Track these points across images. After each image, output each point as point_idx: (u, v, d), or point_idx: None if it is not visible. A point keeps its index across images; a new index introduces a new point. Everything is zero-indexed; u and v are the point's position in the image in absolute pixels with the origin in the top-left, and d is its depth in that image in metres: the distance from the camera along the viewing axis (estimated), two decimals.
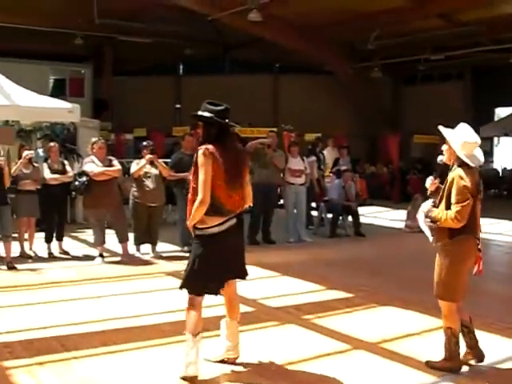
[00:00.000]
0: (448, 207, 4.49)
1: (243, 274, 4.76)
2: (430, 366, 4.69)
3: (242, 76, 26.83)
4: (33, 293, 7.08)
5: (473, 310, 6.33)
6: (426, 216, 4.58)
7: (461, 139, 4.58)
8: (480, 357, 4.77)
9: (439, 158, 4.87)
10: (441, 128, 4.78)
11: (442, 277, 4.59)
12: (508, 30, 18.52)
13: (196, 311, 4.50)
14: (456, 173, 4.52)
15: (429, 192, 4.88)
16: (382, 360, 4.87)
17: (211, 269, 4.45)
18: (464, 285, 4.68)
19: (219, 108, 4.75)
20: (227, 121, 4.69)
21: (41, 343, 5.13)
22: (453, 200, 4.45)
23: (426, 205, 4.71)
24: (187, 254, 9.37)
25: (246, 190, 4.71)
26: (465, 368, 4.70)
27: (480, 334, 5.54)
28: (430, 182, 4.84)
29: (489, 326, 5.88)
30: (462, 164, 4.54)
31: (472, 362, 4.78)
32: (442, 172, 4.90)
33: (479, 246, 4.69)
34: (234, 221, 4.58)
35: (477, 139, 4.61)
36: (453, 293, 4.62)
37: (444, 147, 4.73)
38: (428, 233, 4.70)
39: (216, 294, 4.61)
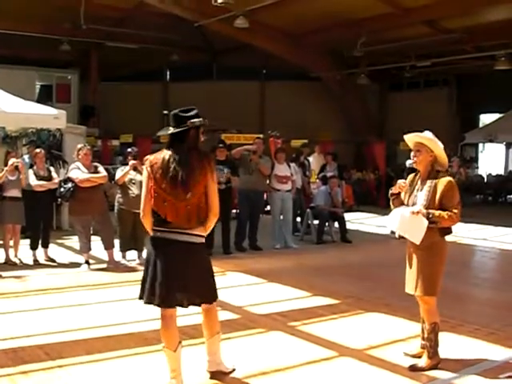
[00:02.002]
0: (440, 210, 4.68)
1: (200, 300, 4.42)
2: (417, 369, 4.73)
3: (229, 82, 26.85)
4: (18, 300, 7.03)
5: (459, 316, 6.42)
6: (427, 218, 4.63)
7: (441, 145, 4.81)
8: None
9: (408, 162, 4.97)
10: (428, 133, 4.86)
11: (429, 273, 4.77)
12: (491, 38, 18.76)
13: (164, 324, 4.38)
14: (449, 179, 4.74)
15: (393, 194, 4.93)
16: (369, 367, 4.88)
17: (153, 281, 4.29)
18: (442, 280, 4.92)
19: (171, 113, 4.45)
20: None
21: (25, 352, 5.09)
22: (451, 203, 4.66)
23: (407, 209, 4.75)
24: None
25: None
26: (452, 374, 4.72)
27: (466, 340, 5.61)
28: (402, 185, 4.89)
29: (474, 331, 5.93)
30: (439, 171, 4.79)
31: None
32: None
33: None
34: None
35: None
36: (436, 288, 4.83)
37: (416, 153, 4.82)
38: (415, 234, 4.72)
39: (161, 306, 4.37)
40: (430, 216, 4.63)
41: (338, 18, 18.46)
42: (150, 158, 4.24)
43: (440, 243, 4.81)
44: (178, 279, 4.21)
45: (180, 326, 5.78)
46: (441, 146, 4.82)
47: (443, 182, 4.70)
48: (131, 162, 9.17)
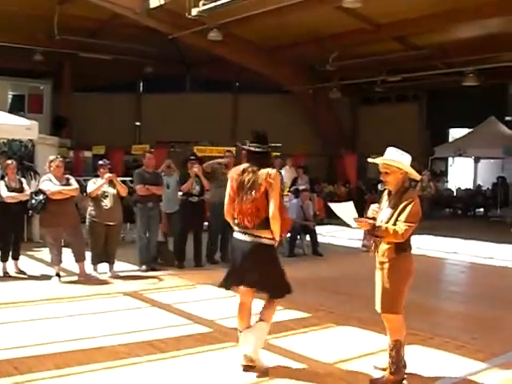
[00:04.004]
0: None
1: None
2: (376, 383, 4.77)
3: (202, 94, 26.92)
4: None
5: (429, 329, 6.51)
6: (373, 230, 4.69)
7: (407, 159, 4.83)
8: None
9: (380, 187, 5.03)
10: (392, 154, 4.86)
11: (391, 291, 4.73)
12: (460, 55, 19.14)
13: (238, 309, 5.21)
14: (415, 195, 4.77)
15: (369, 218, 4.96)
16: (339, 381, 4.91)
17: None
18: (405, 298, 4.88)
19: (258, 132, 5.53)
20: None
21: None
22: (404, 218, 4.62)
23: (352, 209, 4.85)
24: (145, 274, 9.41)
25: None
26: None
27: (436, 353, 5.68)
28: (375, 210, 4.97)
29: (444, 344, 6.02)
30: (408, 186, 4.83)
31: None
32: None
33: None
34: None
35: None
36: (400, 306, 4.80)
37: (385, 176, 4.82)
38: (350, 221, 4.82)
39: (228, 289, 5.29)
40: (376, 229, 4.67)
41: (311, 32, 18.68)
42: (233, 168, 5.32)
43: (400, 260, 4.73)
44: (244, 271, 5.06)
45: (150, 340, 5.82)
46: (407, 160, 4.83)
47: (406, 197, 4.69)
48: (107, 175, 9.16)
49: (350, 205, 4.88)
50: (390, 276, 4.73)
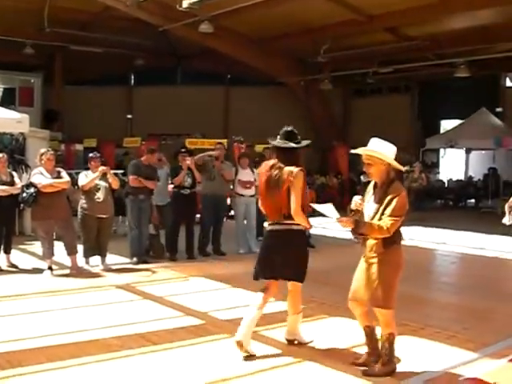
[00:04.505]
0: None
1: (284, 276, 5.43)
2: (370, 375, 4.78)
3: (193, 87, 26.89)
4: None
5: (420, 319, 6.55)
6: (356, 228, 4.66)
7: (391, 150, 4.76)
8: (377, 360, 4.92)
9: (364, 178, 5.01)
10: (375, 144, 4.81)
11: (383, 286, 4.71)
12: (452, 46, 19.16)
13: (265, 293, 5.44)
14: (400, 188, 4.70)
15: (352, 210, 4.97)
16: (331, 371, 4.93)
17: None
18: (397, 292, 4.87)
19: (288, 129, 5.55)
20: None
21: None
22: (390, 212, 4.58)
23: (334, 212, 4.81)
24: (137, 266, 9.42)
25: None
26: (412, 377, 4.83)
27: (427, 343, 5.72)
28: (358, 203, 4.90)
29: (434, 334, 6.05)
30: (394, 178, 4.73)
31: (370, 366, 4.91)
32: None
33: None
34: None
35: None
36: (393, 300, 4.79)
37: (367, 167, 4.80)
38: (332, 214, 4.78)
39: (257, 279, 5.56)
40: (359, 227, 4.64)
41: (302, 24, 18.67)
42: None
43: (389, 254, 4.71)
44: (271, 259, 5.34)
45: (142, 333, 5.83)
46: (391, 151, 4.76)
47: (391, 191, 4.64)
48: (101, 168, 9.15)
49: (330, 206, 4.85)
50: (380, 271, 4.71)
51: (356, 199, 4.94)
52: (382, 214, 4.62)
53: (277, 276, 5.40)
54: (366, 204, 4.84)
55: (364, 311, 4.94)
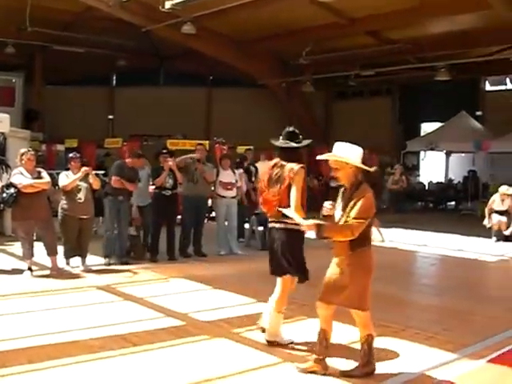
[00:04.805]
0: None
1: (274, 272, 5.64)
2: (348, 376, 4.80)
3: (176, 88, 26.83)
4: None
5: (401, 320, 6.60)
6: (318, 231, 4.65)
7: (357, 153, 4.74)
8: (326, 368, 4.89)
9: (332, 183, 5.05)
10: (338, 150, 4.80)
11: (356, 289, 4.72)
12: (432, 50, 19.34)
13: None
14: (366, 189, 4.66)
15: (323, 216, 4.97)
16: (310, 373, 4.94)
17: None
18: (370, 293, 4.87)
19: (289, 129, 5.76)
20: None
21: None
22: (354, 214, 4.57)
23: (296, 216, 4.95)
24: (118, 267, 9.38)
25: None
26: (390, 378, 4.85)
27: (407, 344, 5.76)
28: (329, 208, 4.86)
29: (414, 336, 6.09)
30: (363, 180, 4.70)
31: (319, 372, 4.87)
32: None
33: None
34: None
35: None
36: (367, 302, 4.82)
37: (335, 171, 4.82)
38: (299, 219, 4.90)
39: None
40: (322, 230, 4.63)
41: (285, 26, 18.73)
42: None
43: (358, 256, 4.70)
44: (273, 256, 5.54)
45: (123, 334, 5.81)
46: (357, 153, 4.73)
47: (357, 193, 4.63)
48: (84, 169, 9.12)
49: (293, 212, 5.09)
50: (352, 274, 4.69)
51: (326, 204, 4.89)
52: (348, 216, 4.61)
53: (285, 273, 5.59)
54: (337, 208, 4.82)
55: (328, 314, 4.89)
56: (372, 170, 4.76)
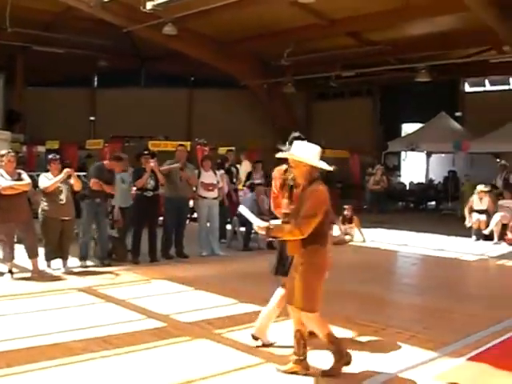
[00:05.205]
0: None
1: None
2: (328, 375, 4.82)
3: (157, 89, 26.80)
4: None
5: (382, 320, 6.64)
6: (268, 231, 4.72)
7: (313, 151, 4.76)
8: (307, 369, 4.92)
9: (289, 182, 5.12)
10: (295, 148, 4.84)
11: (305, 289, 4.69)
12: (413, 51, 19.49)
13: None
14: (315, 187, 4.67)
15: (284, 214, 5.06)
16: (291, 374, 4.95)
17: None
18: (321, 294, 4.82)
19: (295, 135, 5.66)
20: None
21: None
22: (303, 212, 4.57)
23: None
24: (100, 269, 9.33)
25: None
26: (370, 377, 4.89)
27: (388, 344, 5.81)
28: (286, 205, 4.95)
29: (396, 335, 6.14)
30: (316, 178, 4.72)
31: (299, 373, 4.89)
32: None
33: (330, 255, 4.85)
34: None
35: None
36: (316, 303, 4.75)
37: (291, 169, 4.88)
38: (254, 220, 4.88)
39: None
40: (270, 230, 4.69)
41: (266, 27, 18.76)
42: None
43: (311, 255, 4.67)
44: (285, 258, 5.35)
45: (104, 336, 5.79)
46: (313, 152, 4.76)
47: (308, 192, 4.65)
48: (66, 170, 9.07)
49: (246, 209, 5.13)
50: (302, 273, 4.68)
51: (285, 202, 4.99)
52: (298, 214, 4.63)
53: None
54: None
55: (300, 315, 4.89)
56: (329, 168, 4.75)
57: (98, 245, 9.87)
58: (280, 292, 5.48)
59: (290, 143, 5.40)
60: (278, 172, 5.53)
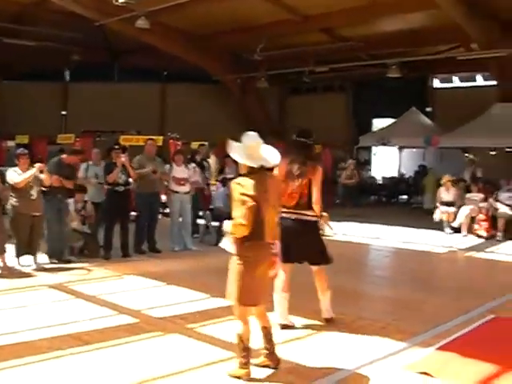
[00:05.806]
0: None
1: None
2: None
3: (130, 83, 26.59)
4: None
5: (354, 312, 6.73)
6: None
7: (240, 147, 4.84)
8: (277, 362, 4.96)
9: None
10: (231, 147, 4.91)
11: (230, 280, 4.82)
12: (384, 47, 19.64)
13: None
14: (234, 181, 4.77)
15: None
16: (262, 368, 4.98)
17: None
18: (258, 290, 4.82)
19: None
20: None
21: None
22: (233, 207, 4.67)
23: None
24: (71, 265, 9.24)
25: None
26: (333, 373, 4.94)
27: (358, 335, 5.87)
28: None
29: (367, 326, 6.25)
30: (249, 170, 4.77)
31: (270, 366, 4.95)
32: None
33: (273, 251, 4.84)
34: None
35: (254, 141, 4.88)
36: (243, 296, 4.76)
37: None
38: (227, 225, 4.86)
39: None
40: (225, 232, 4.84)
41: (239, 22, 18.72)
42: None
43: (239, 252, 4.75)
44: (289, 246, 5.62)
45: (74, 333, 5.75)
46: (238, 148, 4.83)
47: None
48: (38, 165, 8.96)
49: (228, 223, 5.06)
50: (234, 267, 4.82)
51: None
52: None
53: (294, 261, 6.04)
54: None
55: (260, 311, 4.95)
56: (254, 165, 4.76)
57: (52, 243, 9.59)
58: (282, 277, 5.85)
59: (300, 135, 6.19)
60: (283, 163, 5.73)
